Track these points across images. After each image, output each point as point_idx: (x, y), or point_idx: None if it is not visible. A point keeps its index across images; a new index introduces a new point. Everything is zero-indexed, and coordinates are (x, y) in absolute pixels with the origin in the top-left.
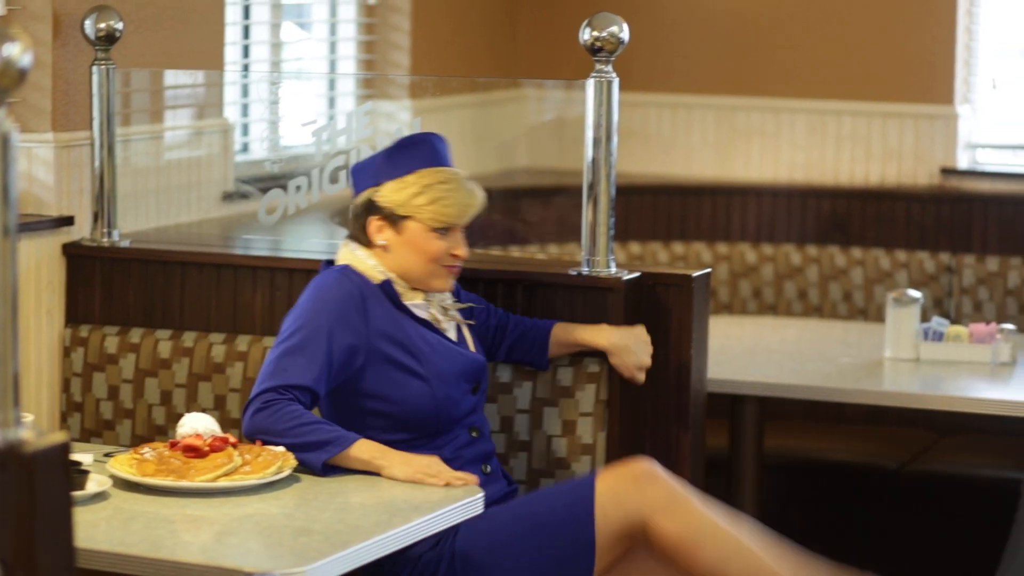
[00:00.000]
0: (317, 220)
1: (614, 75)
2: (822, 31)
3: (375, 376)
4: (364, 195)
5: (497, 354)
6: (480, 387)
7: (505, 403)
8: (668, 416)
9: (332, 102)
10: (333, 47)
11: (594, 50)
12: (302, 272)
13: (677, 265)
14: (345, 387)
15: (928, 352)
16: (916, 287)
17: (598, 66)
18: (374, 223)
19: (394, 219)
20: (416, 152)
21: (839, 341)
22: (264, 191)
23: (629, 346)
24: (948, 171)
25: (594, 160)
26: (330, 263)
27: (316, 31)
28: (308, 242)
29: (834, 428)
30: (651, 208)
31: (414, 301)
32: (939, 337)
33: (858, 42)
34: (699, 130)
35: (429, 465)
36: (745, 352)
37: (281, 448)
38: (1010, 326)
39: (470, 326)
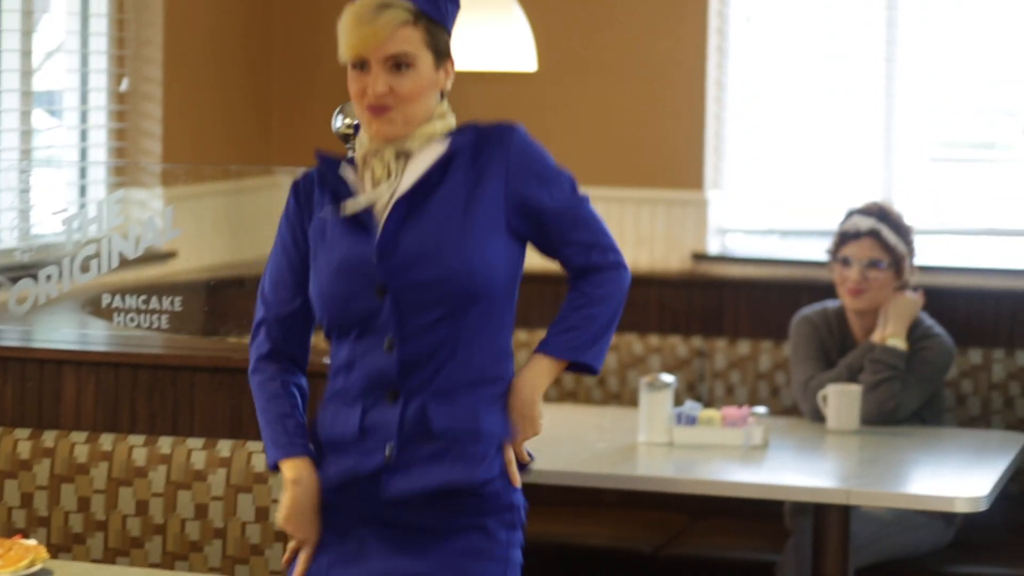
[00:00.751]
0: (68, 309)
1: None
2: (574, 117)
3: None
4: None
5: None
6: (386, 288)
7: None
8: None
9: (83, 190)
10: (84, 135)
11: (347, 137)
12: (53, 363)
13: None
14: None
15: (681, 436)
16: (669, 371)
17: (351, 153)
18: None
19: None
20: None
21: (594, 426)
22: (14, 281)
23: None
24: (699, 256)
25: None
26: None
27: (67, 118)
28: (60, 332)
29: (590, 513)
30: None
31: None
32: (692, 421)
33: (609, 128)
34: None
35: (286, 526)
36: None
37: (34, 541)
38: (762, 409)
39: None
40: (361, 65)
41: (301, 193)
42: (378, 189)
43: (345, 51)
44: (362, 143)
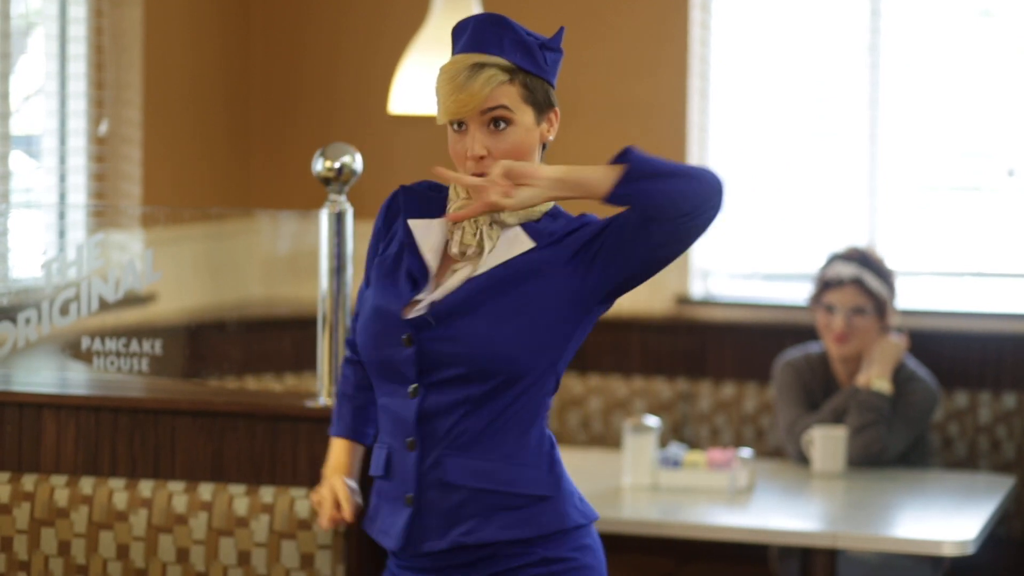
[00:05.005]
0: (48, 353)
1: (347, 205)
2: (556, 159)
3: None
4: None
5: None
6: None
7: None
8: None
9: (62, 233)
10: (63, 177)
11: (327, 180)
12: (32, 406)
13: None
14: None
15: (666, 479)
16: (653, 414)
17: (332, 196)
18: None
19: None
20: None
21: (578, 469)
22: None
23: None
24: (682, 299)
25: (329, 290)
26: None
27: (46, 161)
28: (39, 375)
29: None
30: None
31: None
32: (677, 464)
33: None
34: None
35: (319, 496)
36: None
37: None
38: (747, 452)
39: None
40: (459, 125)
41: (392, 211)
42: (457, 275)
43: (442, 115)
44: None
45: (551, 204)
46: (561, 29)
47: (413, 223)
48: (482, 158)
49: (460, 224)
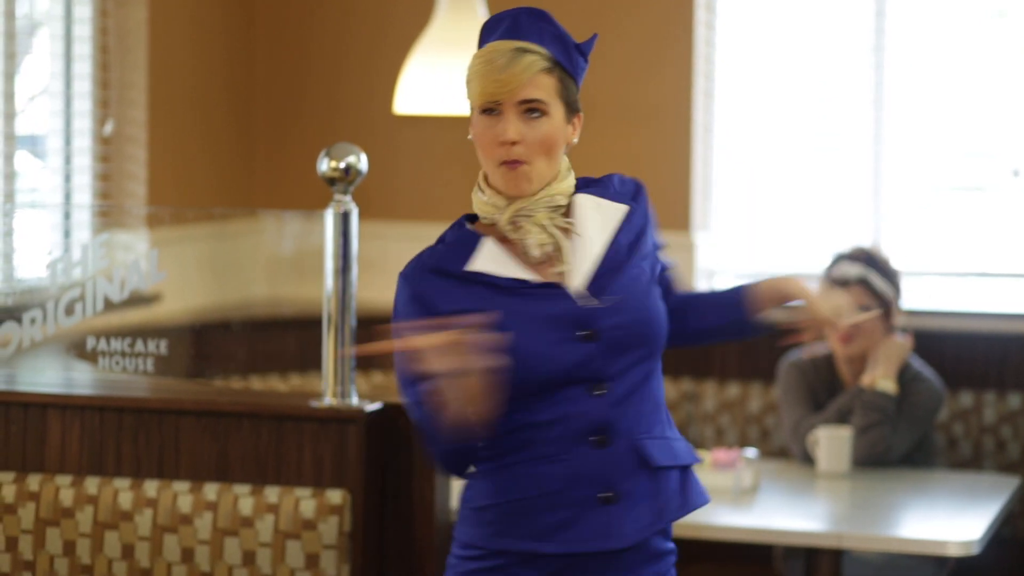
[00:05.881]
0: (53, 353)
1: (352, 205)
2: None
3: None
4: None
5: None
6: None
7: (247, 537)
8: (412, 548)
9: (67, 233)
10: (68, 177)
11: (332, 180)
12: (37, 406)
13: None
14: None
15: None
16: None
17: (336, 196)
18: None
19: None
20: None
21: None
22: None
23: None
24: None
25: (334, 290)
26: None
27: (51, 161)
28: (44, 375)
29: None
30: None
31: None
32: None
33: (595, 171)
34: None
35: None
36: None
37: None
38: (752, 452)
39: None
40: (491, 111)
41: (419, 296)
42: (575, 259)
43: (477, 96)
44: (492, 204)
45: (572, 182)
46: (593, 36)
47: (480, 264)
48: (515, 144)
49: (520, 230)
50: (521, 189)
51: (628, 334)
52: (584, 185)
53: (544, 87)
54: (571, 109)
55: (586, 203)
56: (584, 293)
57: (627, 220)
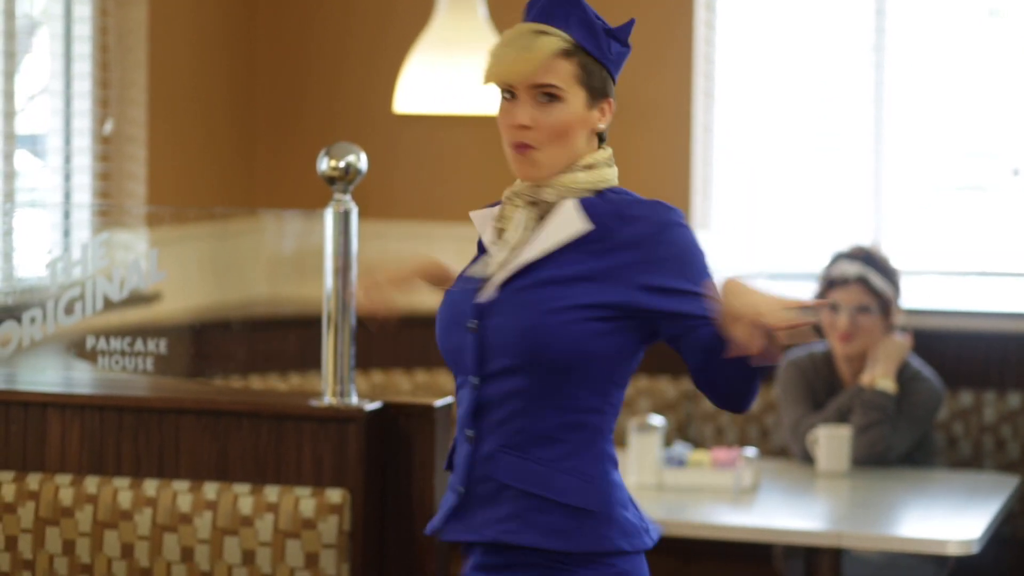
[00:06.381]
0: (53, 352)
1: (352, 204)
2: None
3: None
4: None
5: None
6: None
7: (246, 536)
8: (412, 548)
9: (67, 232)
10: (68, 177)
11: (332, 179)
12: (37, 406)
13: (419, 394)
14: None
15: (671, 478)
16: (658, 413)
17: (337, 195)
18: None
19: None
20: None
21: None
22: None
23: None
24: None
25: (334, 290)
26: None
27: (51, 160)
28: (44, 374)
29: None
30: (393, 336)
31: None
32: (681, 463)
33: None
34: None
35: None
36: None
37: None
38: (752, 451)
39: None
40: (509, 94)
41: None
42: (497, 256)
43: (491, 75)
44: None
45: (606, 177)
46: (631, 21)
47: (485, 235)
48: (526, 128)
49: (502, 217)
50: (528, 174)
51: (507, 341)
52: (604, 192)
53: (560, 72)
54: (595, 95)
55: (567, 207)
56: (493, 291)
57: (591, 241)
